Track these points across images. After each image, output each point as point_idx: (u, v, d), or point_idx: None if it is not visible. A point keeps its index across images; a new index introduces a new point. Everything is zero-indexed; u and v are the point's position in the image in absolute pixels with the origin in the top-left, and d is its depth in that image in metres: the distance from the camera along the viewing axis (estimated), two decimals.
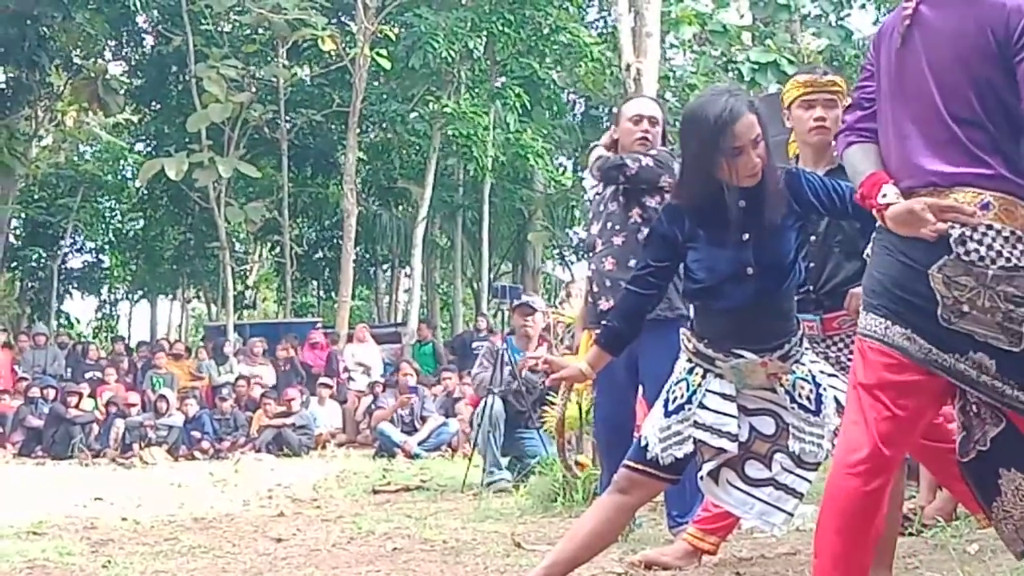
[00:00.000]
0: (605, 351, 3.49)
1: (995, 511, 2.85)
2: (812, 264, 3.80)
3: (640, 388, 4.65)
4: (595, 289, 4.72)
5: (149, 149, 20.75)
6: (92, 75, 19.32)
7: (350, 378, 15.16)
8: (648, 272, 3.36)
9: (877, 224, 2.78)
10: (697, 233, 3.25)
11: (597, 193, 4.93)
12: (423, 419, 12.60)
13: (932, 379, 2.67)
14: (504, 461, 8.24)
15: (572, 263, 25.76)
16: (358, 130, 17.74)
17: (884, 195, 2.70)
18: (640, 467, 3.33)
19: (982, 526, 3.88)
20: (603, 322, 3.85)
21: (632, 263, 4.11)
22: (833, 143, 3.83)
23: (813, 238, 3.66)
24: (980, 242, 2.59)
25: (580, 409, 6.56)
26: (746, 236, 3.18)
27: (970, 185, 2.59)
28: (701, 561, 4.04)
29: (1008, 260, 2.58)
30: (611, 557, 4.16)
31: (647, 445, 3.33)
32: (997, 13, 2.56)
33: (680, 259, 3.33)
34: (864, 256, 3.16)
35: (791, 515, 3.36)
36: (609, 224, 4.69)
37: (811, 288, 3.78)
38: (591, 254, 4.85)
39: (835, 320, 3.74)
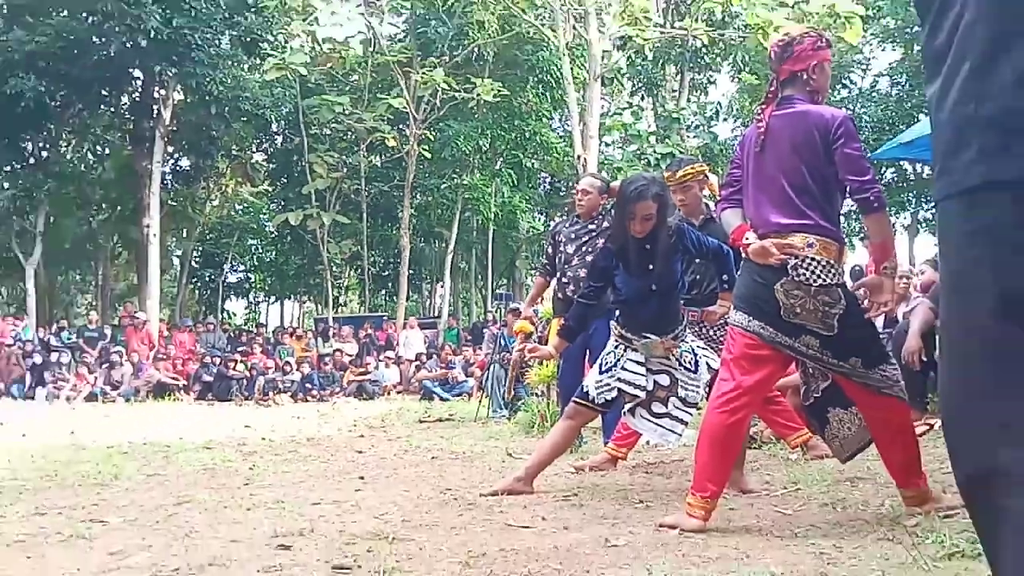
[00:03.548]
0: (565, 340, 4.08)
1: (827, 434, 3.32)
2: (699, 277, 4.36)
3: (587, 355, 5.03)
4: (572, 288, 5.11)
5: (278, 207, 23.35)
6: (243, 161, 23.25)
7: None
8: (591, 291, 3.90)
9: (743, 256, 3.14)
10: (620, 266, 3.75)
11: (577, 227, 5.41)
12: (454, 378, 14.18)
13: (777, 353, 3.09)
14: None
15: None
16: (410, 196, 20.72)
17: (747, 239, 3.07)
18: (583, 403, 3.94)
19: (793, 446, 4.47)
20: (564, 320, 4.22)
21: None
22: (703, 203, 4.40)
23: (698, 261, 4.13)
24: (807, 268, 2.96)
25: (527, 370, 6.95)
26: (651, 267, 3.68)
27: (800, 231, 2.98)
28: (618, 465, 4.57)
29: (823, 280, 2.95)
30: (567, 461, 4.70)
31: (587, 391, 3.92)
32: (820, 121, 3.00)
33: (611, 282, 3.81)
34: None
35: (680, 436, 3.92)
36: (584, 248, 5.22)
37: (697, 292, 4.32)
38: (568, 265, 5.32)
39: (709, 315, 4.22)
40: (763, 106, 3.20)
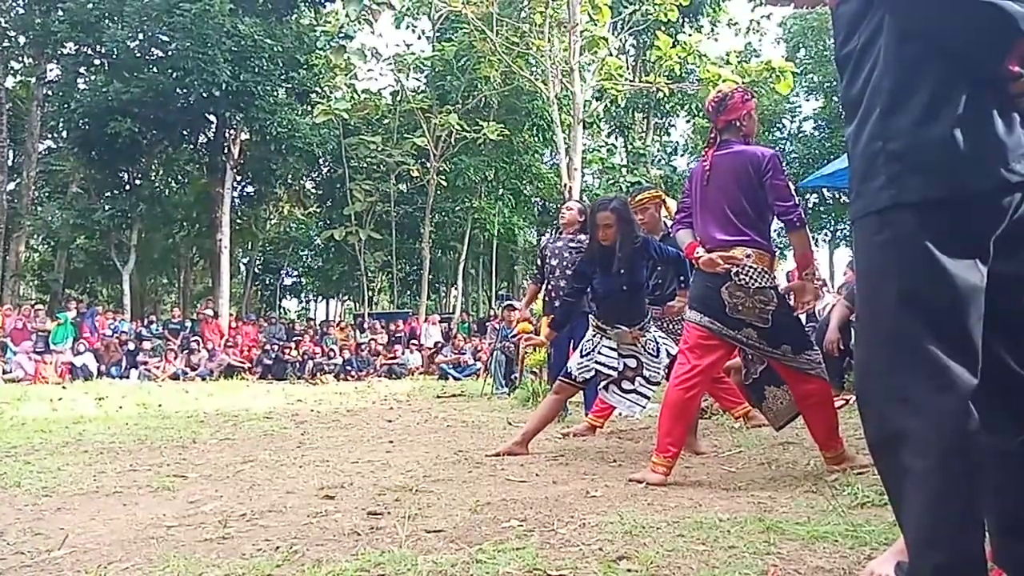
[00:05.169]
0: (554, 331, 4.10)
1: (763, 408, 3.32)
2: (660, 281, 4.31)
3: (571, 343, 4.89)
4: (555, 293, 5.14)
5: (325, 224, 23.19)
6: (296, 188, 23.39)
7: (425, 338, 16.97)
8: (574, 292, 3.92)
9: (695, 267, 3.10)
10: (597, 270, 3.71)
11: (560, 244, 5.30)
12: (465, 362, 14.21)
13: (723, 343, 3.07)
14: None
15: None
16: (430, 216, 20.96)
17: (698, 253, 3.04)
18: (567, 381, 3.89)
19: (736, 416, 4.33)
20: (552, 315, 4.21)
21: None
22: (661, 221, 4.33)
23: (660, 268, 4.09)
24: (747, 274, 2.95)
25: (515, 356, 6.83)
26: (622, 271, 3.61)
27: (740, 245, 2.97)
28: (596, 432, 4.52)
29: (759, 283, 2.96)
30: (556, 429, 4.75)
31: (571, 371, 3.87)
32: (753, 158, 2.98)
33: (588, 284, 3.79)
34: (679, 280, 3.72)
35: (645, 408, 3.88)
36: (565, 262, 5.17)
37: (659, 292, 4.29)
38: (552, 275, 5.26)
39: (668, 309, 4.23)
40: (707, 149, 3.16)
